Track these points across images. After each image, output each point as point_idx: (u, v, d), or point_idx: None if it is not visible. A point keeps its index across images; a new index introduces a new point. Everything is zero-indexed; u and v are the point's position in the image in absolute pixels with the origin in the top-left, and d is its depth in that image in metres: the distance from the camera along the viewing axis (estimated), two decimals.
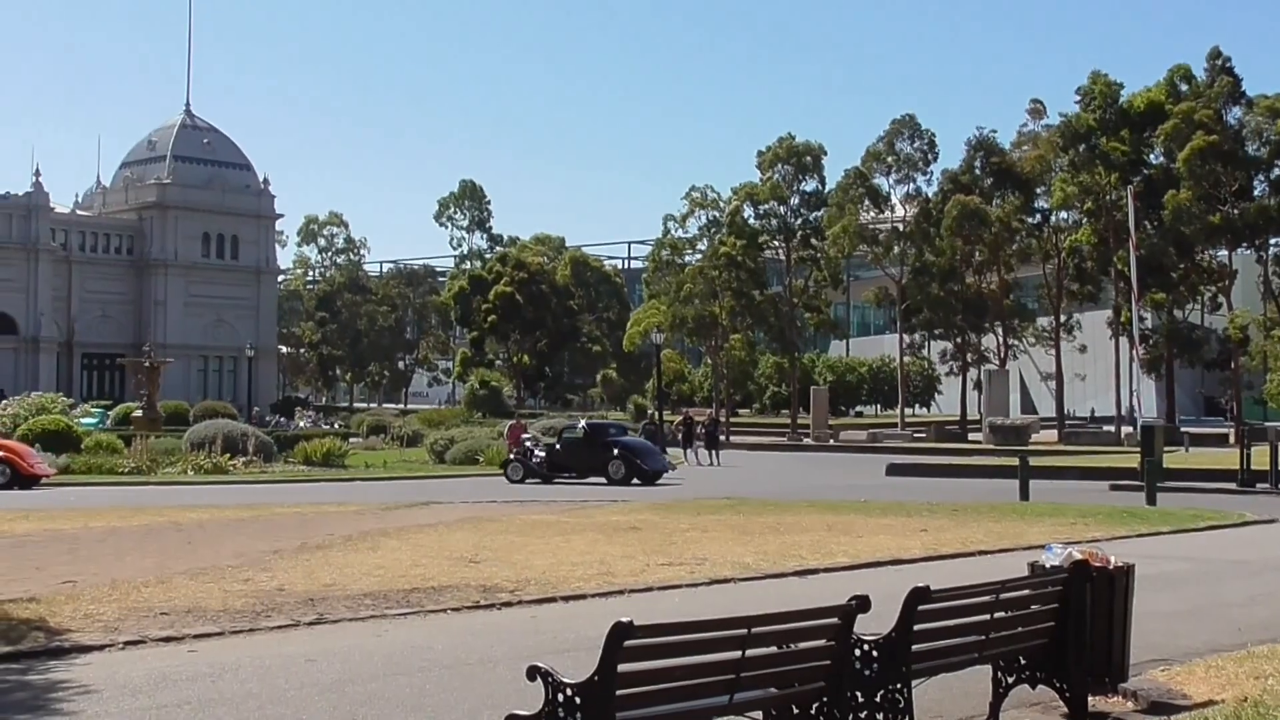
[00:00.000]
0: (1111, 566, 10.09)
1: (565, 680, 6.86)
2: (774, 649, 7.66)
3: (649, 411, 70.59)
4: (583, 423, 47.69)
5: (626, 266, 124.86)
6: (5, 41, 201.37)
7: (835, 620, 7.86)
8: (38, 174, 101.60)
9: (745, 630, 7.33)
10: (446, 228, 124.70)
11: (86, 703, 10.15)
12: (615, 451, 42.22)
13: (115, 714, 9.82)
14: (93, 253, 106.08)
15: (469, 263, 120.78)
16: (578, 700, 6.76)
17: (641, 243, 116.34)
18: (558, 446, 43.26)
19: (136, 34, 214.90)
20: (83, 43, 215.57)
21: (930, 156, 76.16)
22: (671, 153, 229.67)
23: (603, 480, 40.87)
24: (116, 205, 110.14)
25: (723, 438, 60.29)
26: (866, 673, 8.22)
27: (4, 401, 57.70)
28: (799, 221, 79.44)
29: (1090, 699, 9.77)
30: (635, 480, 40.87)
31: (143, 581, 15.85)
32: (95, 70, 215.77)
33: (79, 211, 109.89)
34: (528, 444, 43.73)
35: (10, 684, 10.89)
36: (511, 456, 42.89)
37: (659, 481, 41.07)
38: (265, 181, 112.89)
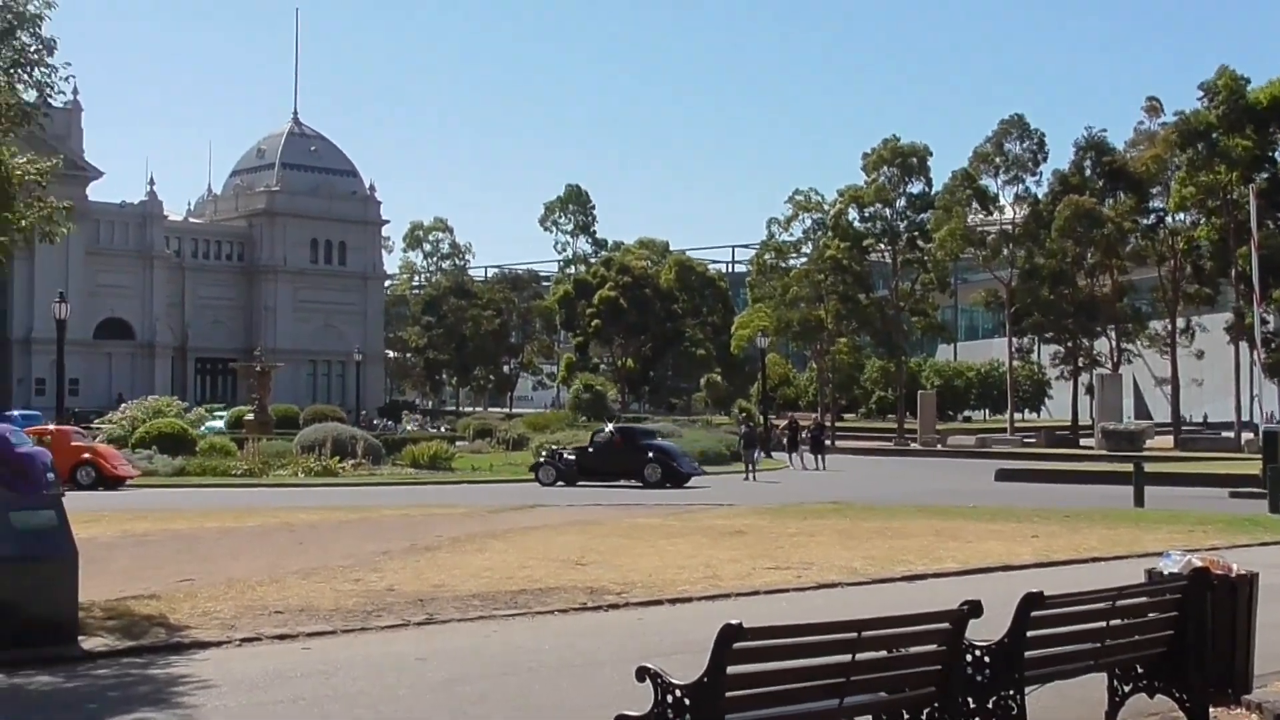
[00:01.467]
0: (1234, 575, 9.85)
1: (674, 681, 6.85)
2: (884, 653, 7.59)
3: (746, 415, 70.33)
4: (610, 427, 47.60)
5: (731, 270, 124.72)
6: (122, 57, 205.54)
7: (946, 625, 7.77)
8: (152, 183, 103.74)
9: (855, 634, 7.27)
10: (551, 232, 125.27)
11: (205, 696, 10.34)
12: (650, 454, 42.01)
13: (233, 708, 9.97)
14: (205, 259, 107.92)
15: (573, 267, 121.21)
16: (687, 702, 6.74)
17: (745, 246, 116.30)
18: (589, 450, 43.01)
19: (245, 46, 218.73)
20: (194, 56, 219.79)
21: (1039, 157, 75.18)
22: (775, 156, 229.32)
23: (636, 483, 40.46)
24: (227, 212, 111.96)
25: (828, 442, 59.92)
26: (978, 679, 8.12)
27: (123, 405, 58.79)
28: (905, 224, 78.90)
29: (1211, 710, 9.57)
30: (668, 484, 40.54)
31: (257, 580, 16.09)
32: (206, 81, 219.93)
33: (191, 219, 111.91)
34: (556, 448, 43.88)
35: (134, 677, 11.12)
36: (542, 460, 42.80)
37: (689, 484, 40.71)
38: (371, 188, 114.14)
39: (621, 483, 40.67)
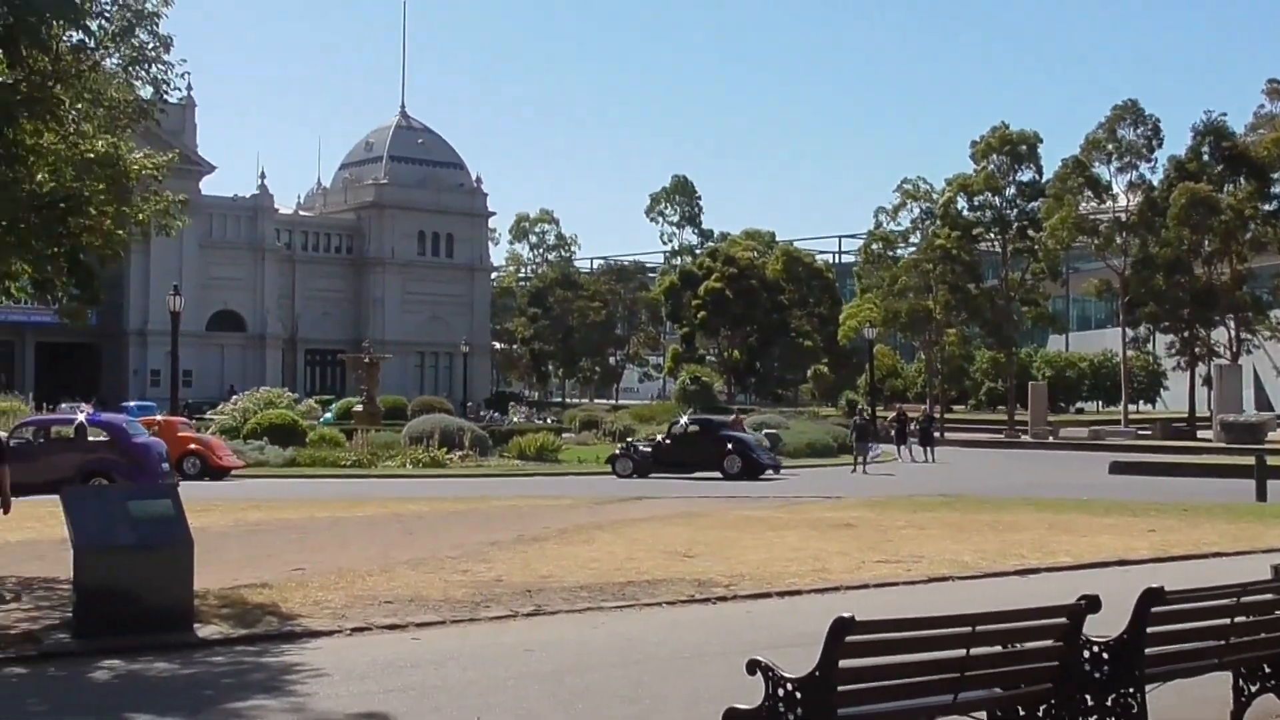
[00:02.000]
0: None
1: (786, 675, 6.78)
2: (999, 648, 7.47)
3: (859, 407, 69.91)
4: (685, 418, 47.31)
5: (837, 260, 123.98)
6: (233, 53, 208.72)
7: (1063, 620, 7.62)
8: (263, 177, 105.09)
9: (969, 628, 7.16)
10: (657, 223, 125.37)
11: (318, 685, 10.44)
12: (730, 446, 41.60)
13: (344, 696, 10.06)
14: (314, 252, 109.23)
15: (680, 258, 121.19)
16: (798, 695, 6.68)
17: (852, 236, 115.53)
18: (666, 442, 42.73)
19: (354, 40, 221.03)
20: (304, 51, 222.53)
21: (1154, 143, 73.64)
22: (882, 145, 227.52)
23: (713, 475, 40.11)
24: (336, 205, 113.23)
25: (936, 434, 59.37)
26: (1096, 675, 7.94)
27: (234, 396, 59.68)
28: (1015, 213, 77.85)
29: None
30: (746, 475, 40.18)
31: (367, 570, 16.24)
32: (316, 76, 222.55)
33: (301, 212, 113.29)
34: (632, 440, 43.69)
35: (248, 665, 11.27)
36: (618, 452, 42.65)
37: (762, 477, 40.36)
38: (478, 180, 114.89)
39: (698, 474, 40.33)
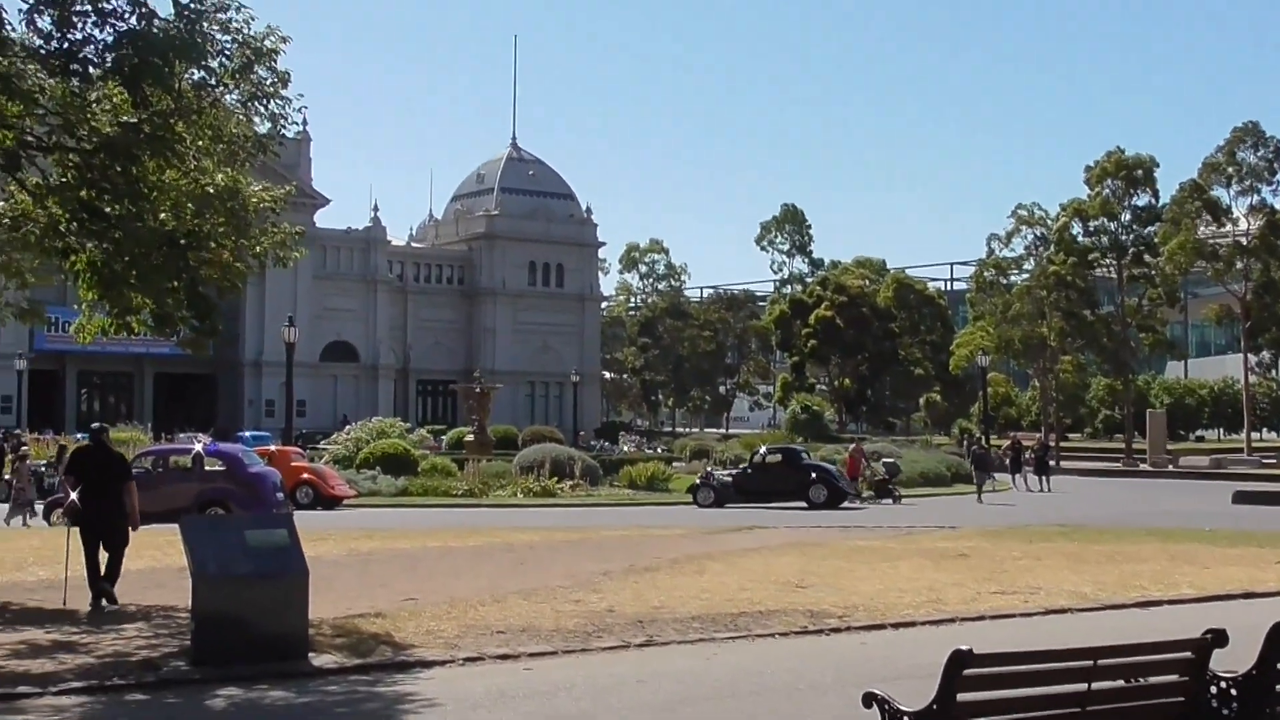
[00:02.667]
0: None
1: (902, 708, 6.71)
2: (1121, 683, 7.32)
3: (975, 436, 69.13)
4: (764, 447, 47.28)
5: (949, 288, 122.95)
6: (347, 87, 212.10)
7: (1189, 654, 7.45)
8: (375, 209, 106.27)
9: (1091, 662, 7.03)
10: (767, 252, 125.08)
11: (431, 715, 10.50)
12: (814, 475, 41.49)
13: None
14: (426, 283, 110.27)
15: (789, 287, 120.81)
16: None
17: (964, 263, 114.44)
18: (747, 471, 42.57)
19: (465, 74, 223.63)
20: (416, 85, 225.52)
21: (1276, 166, 72.27)
22: (994, 171, 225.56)
23: (796, 504, 39.83)
24: (448, 237, 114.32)
25: (1052, 463, 58.51)
26: (1224, 712, 7.72)
27: (347, 426, 60.35)
28: (1131, 238, 76.65)
29: None
30: (829, 505, 40.03)
31: (479, 600, 16.29)
32: (428, 109, 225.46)
33: (413, 244, 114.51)
34: (711, 469, 43.54)
35: (362, 694, 11.35)
36: (699, 481, 42.40)
37: (843, 505, 40.35)
38: (588, 210, 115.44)
39: (776, 504, 40.04)
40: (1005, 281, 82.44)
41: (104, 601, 15.91)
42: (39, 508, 33.36)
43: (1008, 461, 54.75)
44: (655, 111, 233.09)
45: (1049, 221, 79.49)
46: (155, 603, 16.08)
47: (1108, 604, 16.82)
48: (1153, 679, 7.42)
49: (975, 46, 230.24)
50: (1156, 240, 74.44)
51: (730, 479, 42.04)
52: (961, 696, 6.65)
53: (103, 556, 16.31)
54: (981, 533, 28.14)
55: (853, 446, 48.12)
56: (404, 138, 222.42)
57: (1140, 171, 75.70)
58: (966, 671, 6.62)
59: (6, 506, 34.97)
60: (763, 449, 46.82)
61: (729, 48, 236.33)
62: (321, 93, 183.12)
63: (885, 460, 46.34)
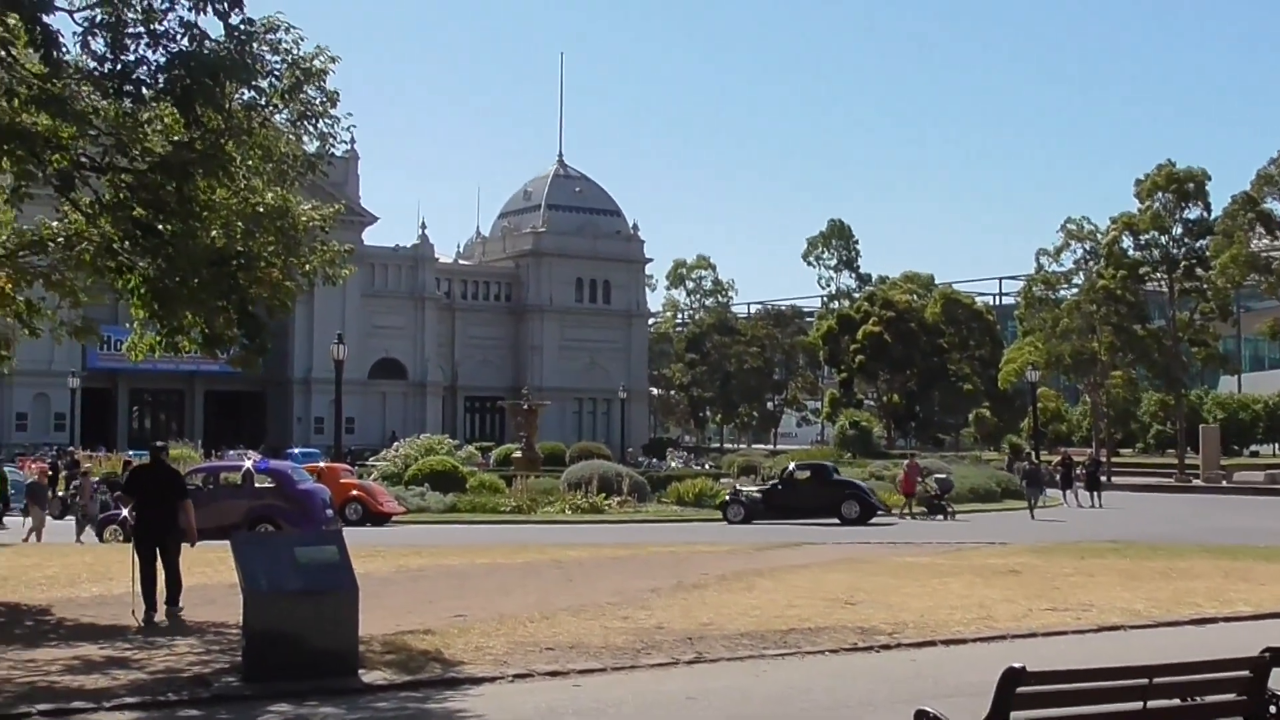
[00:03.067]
0: None
1: None
2: (1177, 701, 7.25)
3: (1025, 452, 68.70)
4: (793, 464, 47.41)
5: (998, 302, 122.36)
6: (394, 105, 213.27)
7: (1246, 673, 7.37)
8: (423, 227, 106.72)
9: (1146, 680, 6.97)
10: (814, 268, 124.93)
11: None
12: (847, 490, 41.68)
13: None
14: (473, 300, 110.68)
15: (837, 302, 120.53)
16: None
17: (1013, 278, 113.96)
18: (778, 487, 42.47)
19: (511, 91, 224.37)
20: (462, 102, 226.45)
21: None
22: (1042, 185, 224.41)
23: (828, 520, 39.78)
24: (495, 254, 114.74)
25: (1103, 478, 58.06)
26: None
27: (395, 443, 60.59)
28: (1182, 251, 76.01)
29: None
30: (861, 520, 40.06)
31: (528, 617, 16.30)
32: (474, 126, 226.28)
33: (460, 261, 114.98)
34: (740, 487, 43.47)
35: (412, 711, 11.37)
36: (728, 498, 42.25)
37: (872, 521, 40.37)
38: (635, 227, 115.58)
39: (807, 520, 39.96)
40: (1054, 296, 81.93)
41: (158, 617, 16.21)
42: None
43: (1058, 477, 54.40)
44: (701, 127, 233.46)
45: (1098, 235, 78.96)
46: (206, 619, 16.19)
47: (1162, 621, 16.67)
48: (1210, 698, 7.35)
49: (1024, 60, 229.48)
50: (1208, 254, 73.77)
51: (760, 495, 42.00)
52: (1015, 715, 6.60)
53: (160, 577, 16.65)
54: (1032, 549, 27.95)
55: (908, 462, 47.78)
56: (451, 155, 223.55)
57: (1192, 184, 75.08)
58: (1020, 689, 6.58)
59: (68, 521, 35.39)
60: (792, 465, 46.99)
61: (775, 63, 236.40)
62: (369, 110, 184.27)
63: (937, 476, 46.05)
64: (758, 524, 39.07)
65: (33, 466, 48.50)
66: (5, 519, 36.18)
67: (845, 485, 42.53)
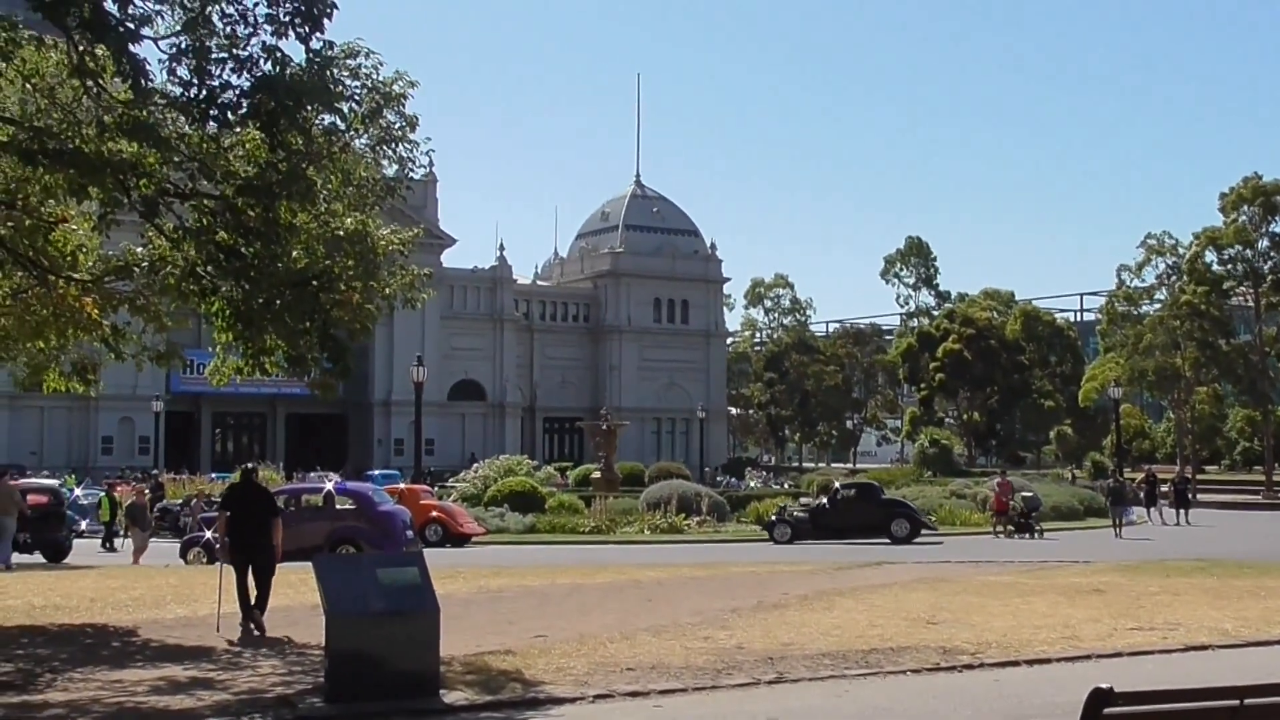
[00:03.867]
0: None
1: None
2: None
3: (1110, 470, 67.93)
4: (837, 483, 47.57)
5: (1079, 319, 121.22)
6: (472, 127, 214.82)
7: None
8: (501, 249, 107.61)
9: (1237, 701, 6.84)
10: (893, 285, 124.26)
11: None
12: (897, 510, 41.73)
13: None
14: (552, 321, 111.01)
15: (916, 320, 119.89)
16: None
17: (1094, 294, 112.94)
18: (825, 506, 42.20)
19: (589, 112, 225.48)
20: (540, 124, 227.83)
21: None
22: (1123, 200, 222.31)
23: (878, 540, 39.64)
24: (573, 275, 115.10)
25: (1191, 496, 57.22)
26: None
27: (475, 464, 60.85)
28: (1268, 265, 75.04)
29: None
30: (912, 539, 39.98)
31: (608, 637, 16.29)
32: (552, 148, 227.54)
33: (539, 282, 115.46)
34: (786, 506, 43.34)
35: None
36: (774, 518, 42.03)
37: (921, 539, 40.41)
38: (712, 246, 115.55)
39: (858, 540, 39.77)
40: (1137, 312, 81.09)
41: (253, 627, 16.87)
42: (174, 547, 34.04)
43: (1143, 494, 53.75)
44: (778, 146, 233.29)
45: (1181, 250, 78.13)
46: (289, 639, 16.33)
47: (1251, 640, 16.41)
48: None
49: (1105, 74, 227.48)
50: None
51: (806, 515, 41.86)
52: None
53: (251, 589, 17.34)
54: (1117, 567, 27.61)
55: (999, 480, 47.30)
56: (529, 176, 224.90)
57: (1279, 197, 74.11)
58: (1107, 710, 6.48)
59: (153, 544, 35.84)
60: (838, 484, 47.25)
61: (851, 81, 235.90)
62: (448, 133, 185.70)
63: (1024, 494, 45.57)
64: (807, 544, 38.89)
65: (120, 490, 49.19)
66: (107, 542, 36.50)
67: (893, 504, 42.69)
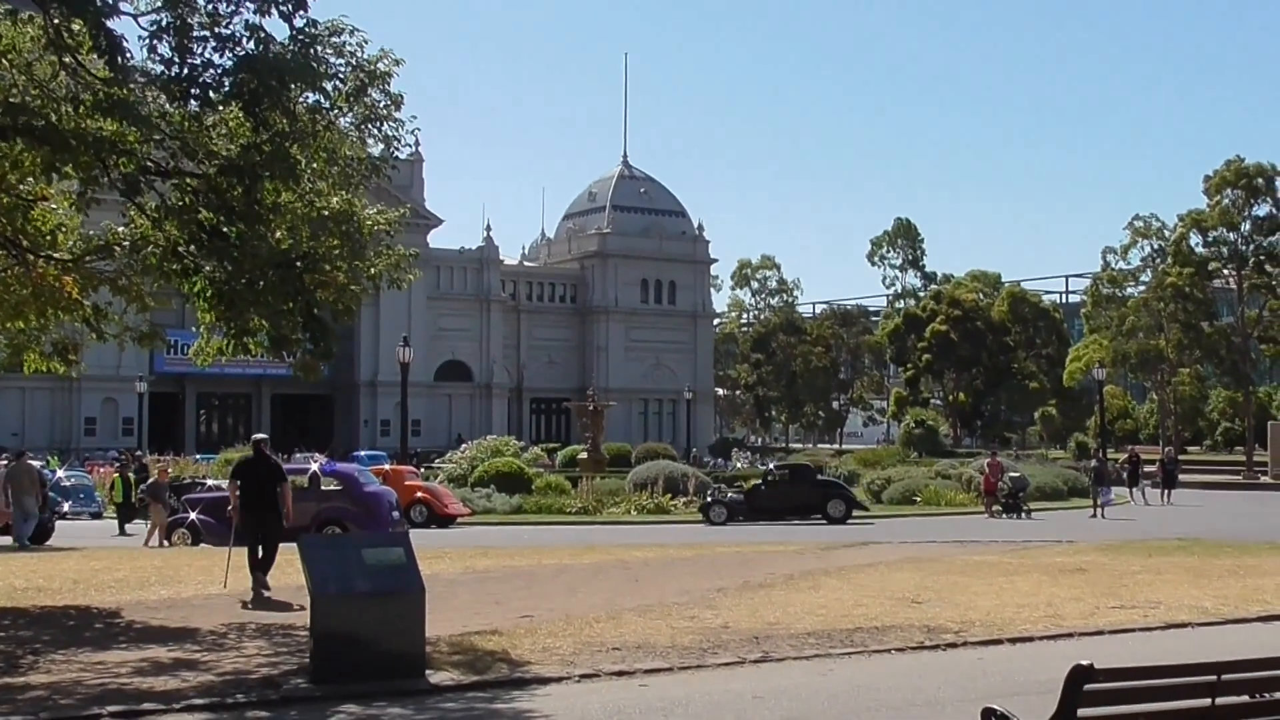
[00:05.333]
0: None
1: None
2: (1246, 698, 7.17)
3: (1093, 449, 68.11)
4: (773, 464, 48.46)
5: (1064, 301, 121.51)
6: (458, 107, 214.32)
7: None
8: (488, 229, 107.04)
9: (1214, 677, 6.90)
10: (879, 267, 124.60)
11: None
12: (833, 490, 42.55)
13: None
14: (539, 301, 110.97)
15: (903, 301, 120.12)
16: None
17: (1080, 276, 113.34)
18: (761, 488, 42.38)
19: (576, 93, 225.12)
20: (527, 104, 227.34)
21: None
22: (1109, 182, 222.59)
23: (813, 520, 40.15)
24: (560, 255, 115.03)
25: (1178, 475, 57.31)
26: None
27: (462, 445, 60.85)
28: (1251, 248, 75.25)
29: None
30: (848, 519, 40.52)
31: (594, 617, 16.32)
32: (539, 128, 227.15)
33: (526, 263, 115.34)
34: (721, 488, 43.59)
35: (479, 712, 11.41)
36: (710, 500, 42.11)
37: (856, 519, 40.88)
38: (700, 227, 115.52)
39: (793, 520, 40.20)
40: (1121, 294, 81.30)
41: (264, 590, 18.50)
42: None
43: (1125, 475, 53.90)
44: (765, 127, 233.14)
45: (1166, 232, 78.34)
46: (274, 621, 16.33)
47: (1230, 618, 16.51)
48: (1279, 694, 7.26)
49: (1089, 57, 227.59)
50: (1278, 250, 72.98)
51: (742, 496, 42.06)
52: (1082, 712, 6.56)
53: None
54: (1100, 547, 27.70)
55: (989, 460, 47.33)
56: (516, 157, 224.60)
57: (1261, 180, 74.31)
58: (1087, 687, 6.53)
59: (137, 525, 35.77)
60: (772, 465, 48.19)
61: (838, 63, 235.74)
62: (434, 113, 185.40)
63: (1012, 475, 45.62)
64: (744, 525, 38.83)
65: (104, 471, 49.07)
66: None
67: (829, 485, 43.86)
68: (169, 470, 42.31)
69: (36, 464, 35.66)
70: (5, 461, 36.06)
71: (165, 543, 31.56)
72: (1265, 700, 7.19)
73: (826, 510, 40.80)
